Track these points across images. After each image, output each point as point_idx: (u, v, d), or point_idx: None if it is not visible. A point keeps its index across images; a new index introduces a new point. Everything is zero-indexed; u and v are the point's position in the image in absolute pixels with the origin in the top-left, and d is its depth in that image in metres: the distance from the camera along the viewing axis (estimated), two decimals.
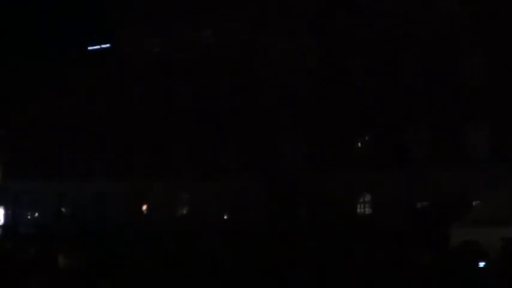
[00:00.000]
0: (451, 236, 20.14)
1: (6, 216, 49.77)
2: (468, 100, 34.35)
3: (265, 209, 37.63)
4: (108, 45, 48.61)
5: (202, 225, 32.42)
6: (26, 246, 18.39)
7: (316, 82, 38.81)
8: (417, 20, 35.87)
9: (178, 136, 43.43)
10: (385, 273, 12.26)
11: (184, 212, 43.27)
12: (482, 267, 14.98)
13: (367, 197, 37.43)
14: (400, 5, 36.41)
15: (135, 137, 45.10)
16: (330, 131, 38.06)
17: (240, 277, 13.04)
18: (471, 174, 32.70)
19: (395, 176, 35.10)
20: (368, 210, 37.21)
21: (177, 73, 43.83)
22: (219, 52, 42.19)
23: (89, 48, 49.60)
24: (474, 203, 30.19)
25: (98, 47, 49.21)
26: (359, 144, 38.07)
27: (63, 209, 46.47)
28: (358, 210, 37.44)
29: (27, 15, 63.04)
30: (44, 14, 63.12)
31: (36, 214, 47.84)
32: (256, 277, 12.80)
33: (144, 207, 44.41)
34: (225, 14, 42.17)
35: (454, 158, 34.34)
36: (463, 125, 34.71)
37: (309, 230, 26.91)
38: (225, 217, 40.15)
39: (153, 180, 42.77)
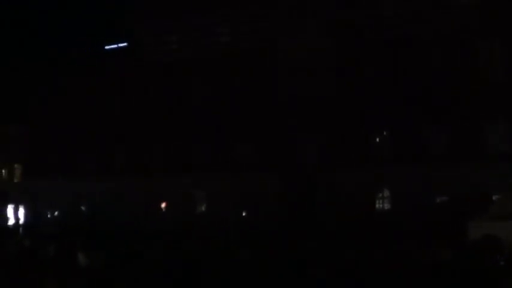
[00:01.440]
0: (470, 230, 20.06)
1: (26, 215, 50.15)
2: (487, 97, 34.14)
3: (282, 207, 37.56)
4: (125, 44, 48.79)
5: (219, 224, 32.48)
6: (46, 244, 18.49)
7: (333, 80, 38.68)
8: (428, 17, 35.77)
9: (194, 134, 43.52)
10: (402, 271, 12.20)
11: (201, 209, 43.36)
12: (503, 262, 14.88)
13: (386, 193, 37.30)
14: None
15: (152, 135, 45.26)
16: (346, 128, 37.95)
17: (253, 276, 13.04)
18: (490, 170, 32.46)
19: (414, 172, 34.93)
20: (386, 206, 37.08)
21: (193, 71, 43.94)
22: (236, 50, 42.24)
23: (106, 47, 49.80)
24: (494, 197, 30.02)
25: (115, 45, 49.39)
26: (376, 141, 37.94)
27: (82, 207, 46.73)
28: (377, 205, 37.34)
29: (46, 14, 63.51)
30: (63, 13, 63.60)
31: (56, 213, 48.15)
32: (271, 276, 12.78)
33: (163, 205, 44.56)
34: (243, 11, 42.22)
35: (473, 154, 34.15)
36: (481, 122, 34.52)
37: (326, 227, 26.89)
38: (242, 215, 40.12)
39: (170, 178, 42.90)
